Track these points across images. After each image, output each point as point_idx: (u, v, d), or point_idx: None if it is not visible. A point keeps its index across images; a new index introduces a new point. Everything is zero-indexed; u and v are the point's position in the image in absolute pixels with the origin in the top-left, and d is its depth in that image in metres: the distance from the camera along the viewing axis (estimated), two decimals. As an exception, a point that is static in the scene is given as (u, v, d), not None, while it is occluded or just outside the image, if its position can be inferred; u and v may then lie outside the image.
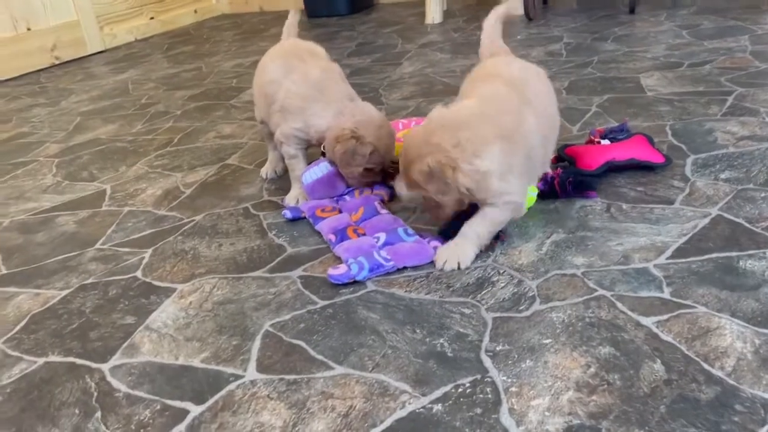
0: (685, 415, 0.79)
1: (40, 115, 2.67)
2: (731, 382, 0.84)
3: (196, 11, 4.85)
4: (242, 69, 3.05)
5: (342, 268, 1.18)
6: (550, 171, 1.38)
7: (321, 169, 1.44)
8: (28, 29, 3.57)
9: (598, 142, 1.50)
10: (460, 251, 1.18)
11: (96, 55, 3.91)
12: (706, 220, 1.22)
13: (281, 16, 4.54)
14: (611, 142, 1.52)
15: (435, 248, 1.22)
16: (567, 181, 1.36)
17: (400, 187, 1.22)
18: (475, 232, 1.18)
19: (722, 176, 1.38)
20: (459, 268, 1.17)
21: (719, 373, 0.85)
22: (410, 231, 1.27)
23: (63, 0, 3.76)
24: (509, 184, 1.14)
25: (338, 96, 1.43)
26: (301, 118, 1.44)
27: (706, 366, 0.87)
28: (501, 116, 1.16)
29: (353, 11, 4.26)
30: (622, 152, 1.45)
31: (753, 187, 1.32)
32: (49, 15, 3.69)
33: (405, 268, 1.20)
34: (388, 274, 1.19)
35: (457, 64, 2.65)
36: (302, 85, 1.45)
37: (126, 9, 4.24)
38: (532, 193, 1.31)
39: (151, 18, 4.45)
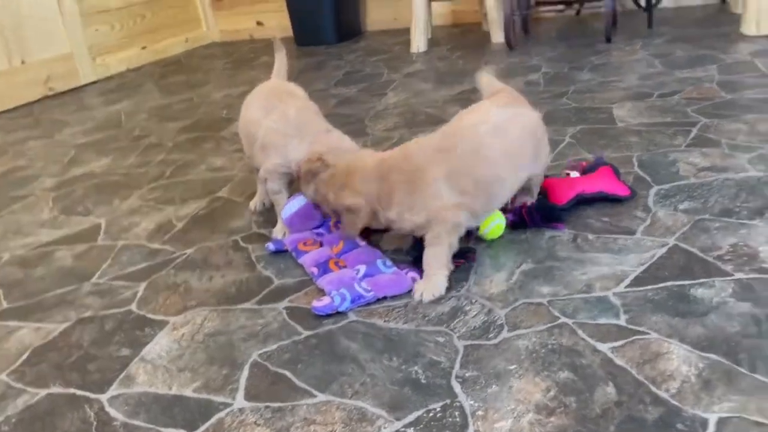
0: (633, 435, 0.88)
1: (35, 148, 2.76)
2: (675, 402, 0.92)
3: (187, 40, 4.96)
4: (232, 99, 3.14)
5: (325, 300, 1.26)
6: (525, 201, 1.47)
7: (297, 202, 1.52)
8: (23, 62, 3.66)
9: (567, 175, 1.60)
10: (433, 283, 1.26)
11: (89, 86, 4.00)
12: (664, 250, 1.31)
13: (270, 45, 4.67)
14: (584, 173, 1.62)
15: (413, 278, 1.31)
16: (535, 212, 1.45)
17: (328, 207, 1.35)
18: (435, 261, 1.27)
19: (681, 207, 1.48)
20: (434, 298, 1.25)
21: (665, 395, 0.94)
22: (389, 263, 1.36)
23: (56, 33, 3.86)
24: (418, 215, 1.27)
25: (314, 130, 1.53)
26: (281, 153, 1.53)
27: (653, 388, 0.95)
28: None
29: (341, 40, 4.37)
30: (591, 185, 1.55)
31: (709, 217, 1.42)
32: (42, 48, 3.78)
33: (385, 298, 1.28)
34: (369, 304, 1.27)
35: (440, 94, 2.75)
36: (280, 123, 1.55)
37: (118, 39, 4.34)
38: (499, 220, 1.41)
39: (143, 48, 4.56)
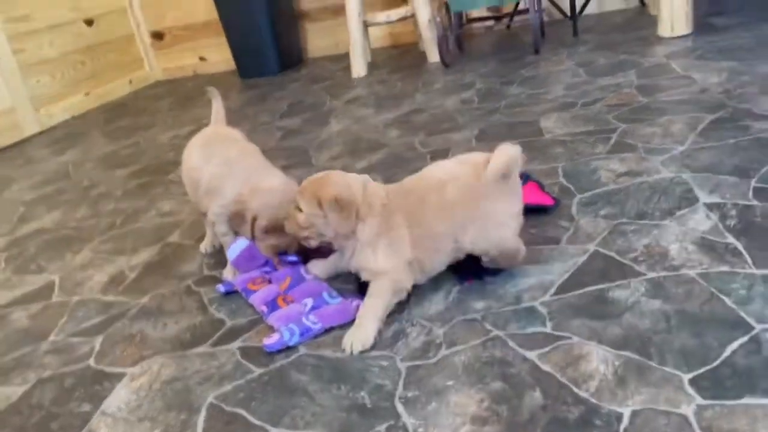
0: (556, 435, 0.97)
1: (-17, 207, 2.76)
2: (593, 401, 1.02)
3: (130, 81, 4.98)
4: (179, 141, 3.19)
5: (275, 337, 1.33)
6: None
7: (241, 243, 1.58)
8: (-36, 120, 3.64)
9: (496, 193, 1.70)
10: (361, 334, 1.28)
11: (34, 137, 3.99)
12: (585, 257, 1.42)
13: (215, 79, 4.73)
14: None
15: (357, 306, 1.38)
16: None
17: (304, 204, 1.35)
18: (371, 313, 1.30)
19: (602, 213, 1.59)
20: (362, 349, 1.27)
21: (585, 394, 1.03)
22: (334, 293, 1.44)
23: (-4, 88, 3.85)
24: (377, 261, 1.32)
25: (249, 170, 1.59)
26: (224, 196, 1.60)
27: (575, 389, 1.05)
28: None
29: (284, 69, 4.45)
30: (517, 199, 1.65)
31: (626, 220, 1.53)
32: (-17, 104, 3.77)
33: (332, 327, 1.36)
34: (317, 336, 1.34)
35: (380, 118, 2.85)
36: (222, 166, 1.62)
37: (60, 88, 4.34)
38: None
39: (86, 94, 4.56)
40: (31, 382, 1.41)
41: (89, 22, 4.63)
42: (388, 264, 1.32)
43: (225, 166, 1.62)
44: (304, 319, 1.36)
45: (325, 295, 1.43)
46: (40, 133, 4.07)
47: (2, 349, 1.58)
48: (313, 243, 1.39)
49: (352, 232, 1.32)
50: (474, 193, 1.34)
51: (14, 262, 2.10)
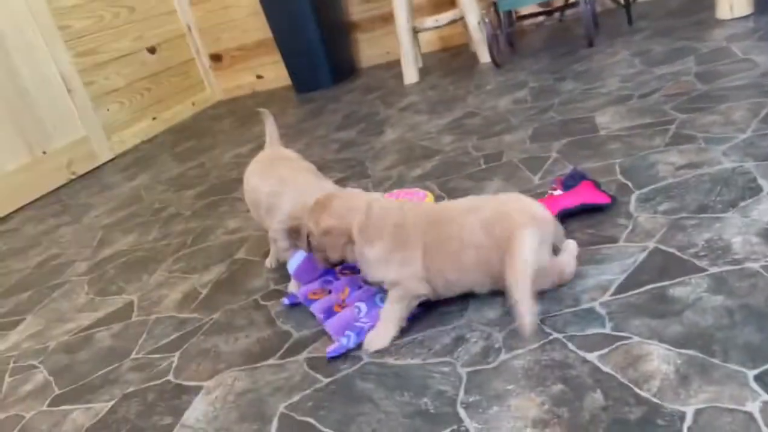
0: (618, 436, 0.97)
1: (65, 234, 2.94)
2: (655, 400, 1.01)
3: (193, 103, 5.18)
4: (241, 159, 3.31)
5: (334, 345, 1.38)
6: None
7: (299, 256, 1.64)
8: (44, 152, 3.89)
9: (551, 194, 1.70)
10: (379, 336, 1.37)
11: (108, 164, 4.22)
12: (644, 254, 1.41)
13: (272, 95, 4.87)
14: (566, 189, 1.73)
15: None
16: None
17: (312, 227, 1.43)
18: (388, 318, 1.38)
19: (660, 208, 1.57)
20: (379, 349, 1.37)
21: (646, 395, 1.03)
22: (382, 298, 1.49)
23: (71, 119, 4.10)
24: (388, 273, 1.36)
25: (302, 187, 1.63)
26: (281, 212, 1.66)
27: (636, 389, 1.05)
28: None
29: (338, 81, 4.55)
30: (572, 199, 1.65)
31: (685, 215, 1.51)
32: (60, 136, 4.01)
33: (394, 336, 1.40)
34: (377, 341, 1.39)
35: (433, 124, 2.88)
36: (276, 185, 1.68)
37: (129, 115, 4.58)
38: None
39: (154, 118, 4.79)
40: (117, 397, 1.51)
41: (152, 50, 4.86)
42: (400, 275, 1.36)
43: (279, 185, 1.68)
44: (356, 323, 1.42)
45: (376, 299, 1.49)
46: (113, 159, 4.30)
47: (89, 367, 1.69)
48: (333, 258, 1.45)
49: (340, 259, 1.42)
50: (490, 260, 1.31)
51: (96, 285, 2.24)
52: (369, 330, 1.40)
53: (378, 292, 1.52)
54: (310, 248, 1.59)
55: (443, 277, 1.37)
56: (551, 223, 1.34)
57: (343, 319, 1.45)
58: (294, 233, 1.57)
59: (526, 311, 1.18)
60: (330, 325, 1.45)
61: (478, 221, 1.32)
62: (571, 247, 1.41)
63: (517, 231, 1.24)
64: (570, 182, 1.73)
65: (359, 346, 1.39)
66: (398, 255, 1.36)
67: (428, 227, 1.37)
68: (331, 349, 1.38)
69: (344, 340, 1.38)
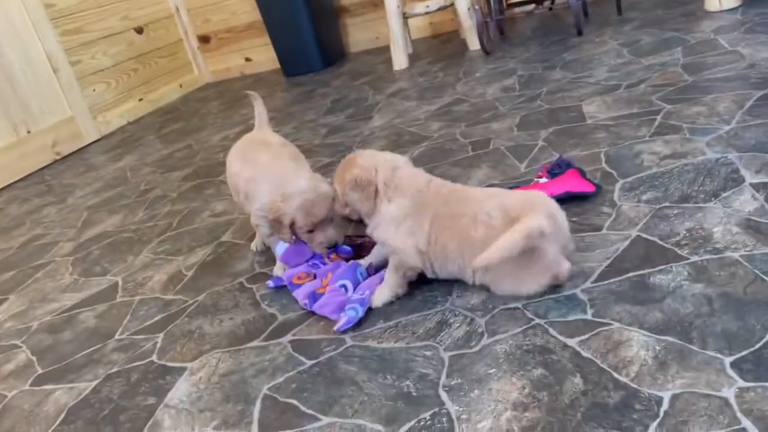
0: (596, 419, 0.99)
1: (50, 214, 2.92)
2: (633, 385, 1.03)
3: (181, 85, 5.14)
4: (228, 142, 3.29)
5: (343, 319, 1.39)
6: None
7: None
8: (28, 132, 3.85)
9: (537, 182, 1.71)
10: (381, 294, 1.46)
11: (93, 144, 4.18)
12: (627, 242, 1.42)
13: (261, 78, 4.84)
14: (552, 177, 1.74)
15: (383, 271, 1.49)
16: None
17: (337, 186, 1.48)
18: (391, 280, 1.45)
19: (644, 197, 1.58)
20: (381, 304, 1.45)
21: (625, 380, 1.05)
22: (363, 271, 1.54)
23: (57, 99, 4.05)
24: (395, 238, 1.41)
25: (279, 175, 1.62)
26: (258, 200, 1.65)
27: (615, 375, 1.07)
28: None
29: (327, 65, 4.52)
30: (558, 187, 1.66)
31: (668, 204, 1.52)
32: (46, 115, 3.97)
33: (378, 320, 1.41)
34: (363, 327, 1.39)
35: (421, 110, 2.88)
36: (254, 171, 1.67)
37: (115, 96, 4.53)
38: None
39: (140, 100, 4.74)
40: (100, 377, 1.51)
41: (139, 31, 4.80)
42: (404, 244, 1.40)
43: (257, 170, 1.67)
44: (355, 296, 1.44)
45: (358, 274, 1.54)
46: (98, 140, 4.26)
47: (72, 347, 1.69)
48: (354, 216, 1.51)
49: (372, 210, 1.43)
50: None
51: (81, 265, 2.23)
52: (370, 296, 1.45)
53: (358, 266, 1.54)
54: (292, 238, 1.59)
55: (444, 253, 1.38)
56: (566, 229, 1.34)
57: (336, 299, 1.46)
58: (276, 224, 1.57)
59: (495, 253, 1.21)
60: (322, 307, 1.46)
61: (497, 203, 1.33)
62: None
63: (533, 213, 1.25)
64: (556, 170, 1.74)
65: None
66: (410, 221, 1.40)
67: (446, 202, 1.39)
68: (340, 324, 1.39)
69: (351, 313, 1.40)
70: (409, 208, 1.40)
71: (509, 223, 1.25)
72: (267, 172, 1.65)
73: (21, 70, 3.86)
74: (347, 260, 1.62)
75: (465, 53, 3.74)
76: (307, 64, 4.49)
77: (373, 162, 1.45)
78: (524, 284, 1.31)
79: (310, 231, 1.58)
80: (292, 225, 1.57)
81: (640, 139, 1.91)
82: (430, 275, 1.45)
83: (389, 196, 1.42)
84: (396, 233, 1.41)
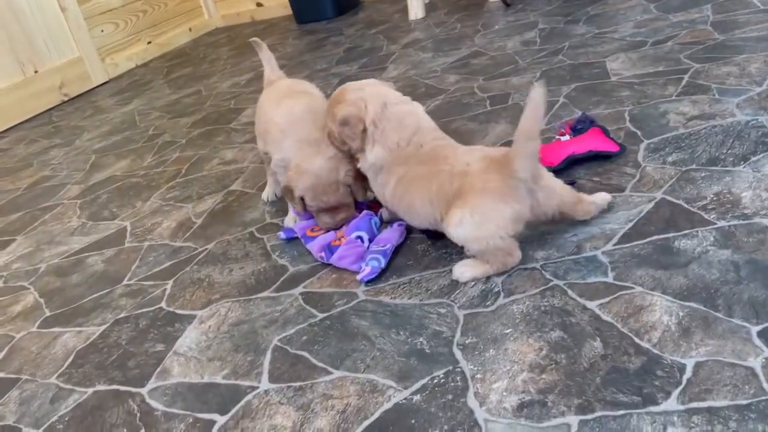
0: (616, 384, 0.96)
1: (57, 156, 2.88)
2: (656, 351, 1.00)
3: (190, 29, 5.03)
4: (238, 89, 3.22)
5: (366, 270, 1.37)
6: None
7: None
8: (36, 72, 3.78)
9: (558, 140, 1.66)
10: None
11: (101, 87, 4.11)
12: (651, 205, 1.38)
13: (272, 24, 4.72)
14: (577, 133, 1.68)
15: (402, 227, 1.48)
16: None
17: (329, 120, 1.45)
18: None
19: (669, 159, 1.53)
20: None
21: (647, 345, 1.02)
22: (378, 222, 1.53)
23: (64, 39, 3.97)
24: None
25: (302, 140, 1.54)
26: (281, 149, 1.59)
27: (636, 339, 1.04)
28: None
29: (340, 13, 4.40)
30: (580, 146, 1.61)
31: (695, 167, 1.47)
32: (53, 55, 3.89)
33: (391, 276, 1.38)
34: (377, 282, 1.37)
35: (438, 62, 2.80)
36: (283, 117, 1.61)
37: (124, 37, 4.44)
38: None
39: (149, 42, 4.65)
40: (109, 322, 1.50)
41: (149, -30, 4.67)
42: (377, 193, 1.46)
43: (286, 118, 1.60)
44: (375, 247, 1.42)
45: (373, 225, 1.52)
46: (107, 82, 4.19)
47: (81, 291, 1.67)
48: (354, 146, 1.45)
49: (361, 148, 1.41)
50: (474, 185, 1.25)
51: (88, 209, 2.20)
52: (390, 251, 1.42)
53: (372, 216, 1.52)
54: (303, 208, 1.55)
55: (411, 211, 1.38)
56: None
57: (354, 250, 1.44)
58: (289, 193, 1.53)
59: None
60: (341, 259, 1.43)
61: (480, 155, 1.29)
62: (603, 196, 1.38)
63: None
64: (579, 126, 1.68)
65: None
66: (383, 175, 1.40)
67: (420, 162, 1.35)
68: (363, 274, 1.37)
69: (374, 263, 1.37)
70: (384, 160, 1.39)
71: (489, 166, 1.24)
72: (297, 127, 1.58)
73: (28, 7, 3.77)
74: (360, 211, 1.59)
75: (484, 4, 3.62)
76: (320, 10, 4.37)
77: (363, 96, 1.41)
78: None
79: (318, 211, 1.54)
80: (302, 200, 1.53)
81: (667, 99, 1.84)
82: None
83: (374, 139, 1.39)
84: (374, 180, 1.44)
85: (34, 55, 3.78)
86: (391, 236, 1.45)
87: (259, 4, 5.07)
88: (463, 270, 1.30)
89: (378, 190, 1.45)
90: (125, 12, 4.45)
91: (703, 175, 1.43)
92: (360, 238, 1.46)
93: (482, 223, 1.22)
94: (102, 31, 4.26)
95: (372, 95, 1.41)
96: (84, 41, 4.08)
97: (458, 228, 1.24)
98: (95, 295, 1.63)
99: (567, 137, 1.66)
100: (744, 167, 1.42)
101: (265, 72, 1.88)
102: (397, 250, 1.45)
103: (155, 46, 4.67)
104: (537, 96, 1.13)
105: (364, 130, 1.39)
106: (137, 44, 4.54)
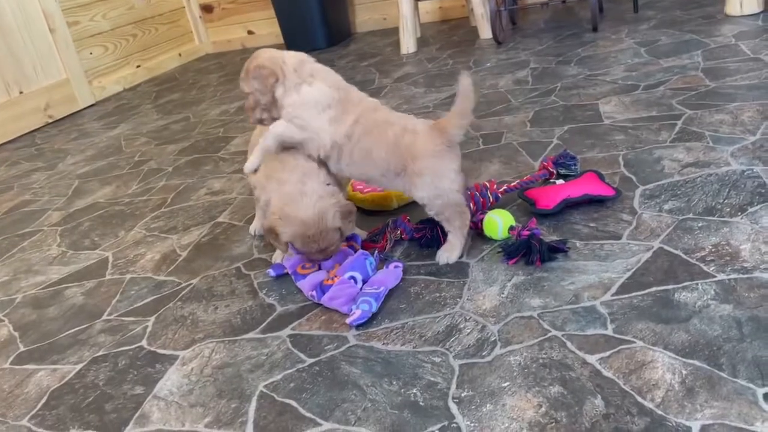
0: (619, 447, 0.93)
1: (39, 180, 2.82)
2: (659, 412, 0.97)
3: (180, 54, 5.01)
4: (228, 117, 3.19)
5: (356, 313, 1.32)
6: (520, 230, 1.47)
7: None
8: (21, 92, 3.72)
9: (554, 183, 1.64)
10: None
11: (87, 110, 4.06)
12: (649, 254, 1.35)
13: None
14: (560, 167, 1.69)
15: (398, 269, 1.45)
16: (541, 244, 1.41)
17: (243, 85, 1.51)
18: (262, 142, 1.51)
19: (666, 207, 1.52)
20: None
21: (650, 405, 0.99)
22: (374, 264, 1.48)
23: (52, 61, 3.92)
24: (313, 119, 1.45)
25: (287, 179, 1.46)
26: (264, 190, 1.52)
27: (639, 398, 1.00)
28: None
29: (332, 44, 4.41)
30: (576, 189, 1.59)
31: (692, 216, 1.46)
32: (40, 77, 3.84)
33: (383, 320, 1.34)
34: (368, 326, 1.32)
35: (429, 98, 2.79)
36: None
37: (113, 61, 4.40)
38: (497, 217, 1.50)
39: (138, 66, 4.61)
40: (86, 360, 1.43)
41: (141, -5, 4.66)
42: (322, 129, 1.45)
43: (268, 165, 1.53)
44: (368, 289, 1.37)
45: (367, 265, 1.46)
46: (93, 105, 4.14)
47: (58, 325, 1.61)
48: (266, 121, 1.50)
49: (270, 103, 1.46)
50: (426, 148, 1.42)
51: (69, 237, 2.14)
52: (384, 294, 1.38)
53: (367, 257, 1.47)
54: (288, 251, 1.51)
55: (367, 158, 1.44)
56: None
57: (346, 291, 1.39)
58: (272, 235, 1.44)
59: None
60: (332, 300, 1.39)
61: (424, 121, 1.47)
62: None
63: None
64: (561, 161, 1.71)
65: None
66: (333, 111, 1.44)
67: (375, 110, 1.48)
68: (353, 318, 1.32)
69: (365, 306, 1.33)
70: (332, 98, 1.44)
71: (432, 130, 1.42)
72: (277, 168, 1.48)
73: (16, 26, 3.73)
74: (355, 250, 1.55)
75: (475, 41, 3.64)
76: (311, 41, 4.38)
77: (280, 55, 1.48)
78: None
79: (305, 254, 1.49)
80: (287, 243, 1.47)
81: (661, 144, 1.84)
82: (332, 170, 1.50)
83: (308, 80, 1.44)
84: (317, 116, 1.44)
85: (20, 77, 3.73)
86: (385, 278, 1.41)
87: (250, 32, 5.07)
88: (447, 255, 1.48)
89: (323, 126, 1.44)
90: (115, 35, 4.43)
91: (700, 225, 1.42)
92: (353, 278, 1.42)
93: (440, 181, 1.42)
94: (91, 53, 4.22)
95: (288, 54, 1.49)
96: (72, 63, 4.03)
97: (422, 191, 1.43)
98: (73, 330, 1.57)
99: (561, 181, 1.65)
100: (741, 218, 1.41)
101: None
102: (390, 292, 1.42)
103: (144, 70, 4.64)
104: (466, 83, 1.39)
105: (275, 84, 1.43)
106: (126, 68, 4.51)
